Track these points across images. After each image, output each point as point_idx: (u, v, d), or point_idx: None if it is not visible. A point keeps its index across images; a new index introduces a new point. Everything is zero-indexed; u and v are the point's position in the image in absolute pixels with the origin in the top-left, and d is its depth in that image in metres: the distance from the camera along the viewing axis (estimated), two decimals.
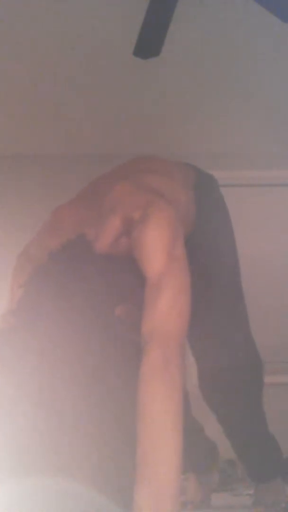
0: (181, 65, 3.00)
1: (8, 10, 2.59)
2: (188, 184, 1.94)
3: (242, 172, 3.69)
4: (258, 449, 2.06)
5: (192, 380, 2.03)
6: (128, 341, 1.42)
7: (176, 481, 1.25)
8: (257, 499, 2.07)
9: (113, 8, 2.61)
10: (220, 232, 2.05)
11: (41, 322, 1.42)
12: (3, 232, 3.44)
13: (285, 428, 2.17)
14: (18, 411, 1.32)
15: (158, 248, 1.50)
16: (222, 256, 2.02)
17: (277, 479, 2.07)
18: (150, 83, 3.12)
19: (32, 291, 1.50)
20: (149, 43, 2.48)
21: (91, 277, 1.49)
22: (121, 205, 1.60)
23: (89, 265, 1.52)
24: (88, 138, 3.54)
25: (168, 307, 1.42)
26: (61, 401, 1.32)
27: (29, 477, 1.29)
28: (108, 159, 2.37)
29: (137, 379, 1.35)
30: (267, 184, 3.73)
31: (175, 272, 1.48)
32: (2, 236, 3.41)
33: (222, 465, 2.43)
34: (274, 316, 3.46)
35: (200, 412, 2.10)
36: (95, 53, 2.90)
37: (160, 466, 1.24)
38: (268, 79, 3.12)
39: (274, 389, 3.18)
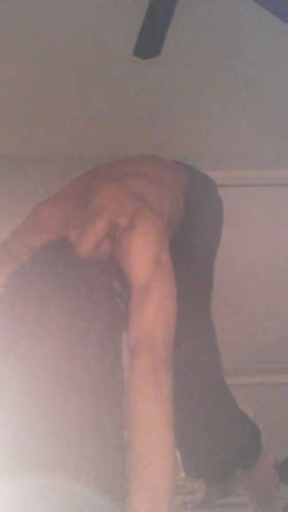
0: (181, 65, 3.00)
1: (8, 10, 2.59)
2: (179, 185, 1.94)
3: (242, 172, 3.70)
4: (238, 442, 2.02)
5: None
6: (105, 348, 1.43)
7: (170, 483, 1.26)
8: (250, 492, 2.05)
9: (113, 8, 2.61)
10: (201, 238, 2.04)
11: (20, 328, 1.42)
12: (3, 232, 3.44)
13: (285, 428, 2.17)
14: (9, 413, 1.33)
15: (145, 256, 1.51)
16: (198, 260, 2.03)
17: (261, 466, 2.04)
18: (150, 83, 3.12)
19: (11, 293, 1.50)
20: (149, 43, 2.48)
21: (71, 284, 1.49)
22: (107, 209, 1.60)
23: (70, 270, 1.52)
24: (88, 138, 3.54)
25: (154, 313, 1.44)
26: (47, 410, 1.32)
27: (28, 477, 1.29)
28: (108, 159, 2.37)
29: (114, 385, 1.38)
30: (267, 184, 3.73)
31: (161, 279, 1.50)
32: (2, 236, 3.41)
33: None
34: (274, 316, 3.46)
35: None
36: (95, 53, 2.90)
37: (153, 468, 1.25)
38: (268, 79, 3.12)
39: (274, 389, 3.18)
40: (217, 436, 1.99)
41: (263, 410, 2.86)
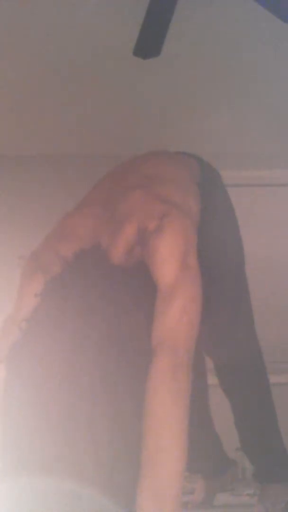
0: (181, 65, 3.00)
1: (8, 10, 2.59)
2: (193, 177, 1.94)
3: (242, 172, 3.69)
4: (266, 446, 2.06)
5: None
6: (139, 351, 1.44)
7: (179, 484, 1.27)
8: (262, 499, 2.06)
9: (113, 8, 2.61)
10: (225, 227, 2.05)
11: (59, 334, 1.43)
12: (3, 232, 3.44)
13: (285, 428, 2.17)
14: (32, 417, 1.34)
15: (172, 258, 1.52)
16: (228, 251, 2.03)
17: (282, 481, 2.06)
18: (150, 83, 3.12)
19: (50, 302, 1.50)
20: (149, 43, 2.48)
21: (108, 291, 1.50)
22: (136, 214, 1.61)
23: (106, 277, 1.53)
24: (88, 138, 3.54)
25: (179, 317, 1.44)
26: (77, 408, 1.33)
27: (34, 476, 1.30)
28: (108, 159, 2.37)
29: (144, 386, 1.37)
30: (267, 184, 3.73)
31: (187, 282, 1.50)
32: (3, 236, 3.41)
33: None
34: (274, 316, 3.46)
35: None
36: (95, 53, 2.90)
37: (163, 468, 1.26)
38: (268, 79, 3.12)
39: (274, 389, 3.18)
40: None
41: None
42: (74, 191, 1.95)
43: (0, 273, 3.12)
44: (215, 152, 3.60)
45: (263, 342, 2.20)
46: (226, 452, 2.26)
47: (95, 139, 3.55)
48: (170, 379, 1.36)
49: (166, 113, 3.37)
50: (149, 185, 1.75)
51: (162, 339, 1.42)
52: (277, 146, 3.61)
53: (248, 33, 2.79)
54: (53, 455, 1.32)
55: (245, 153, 3.67)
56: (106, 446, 1.32)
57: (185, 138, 3.53)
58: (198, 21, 2.71)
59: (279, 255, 3.58)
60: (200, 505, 2.16)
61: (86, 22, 2.70)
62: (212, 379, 2.13)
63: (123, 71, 2.99)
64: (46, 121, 3.39)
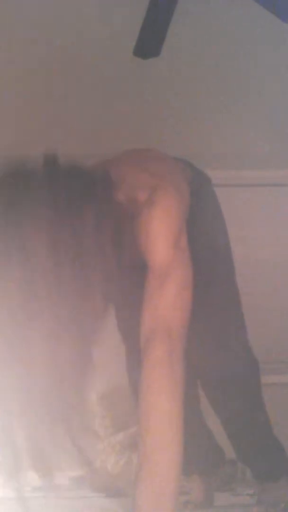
0: (181, 65, 3.00)
1: (8, 10, 2.59)
2: (185, 177, 1.90)
3: (242, 172, 3.69)
4: (261, 451, 2.04)
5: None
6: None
7: (177, 481, 1.25)
8: (261, 499, 2.06)
9: (113, 8, 2.61)
10: (215, 230, 2.00)
11: None
12: None
13: (285, 428, 2.17)
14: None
15: (166, 235, 1.42)
16: (218, 256, 1.97)
17: (282, 478, 2.05)
18: (150, 83, 3.12)
19: None
20: (149, 43, 2.48)
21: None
22: (125, 183, 1.50)
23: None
24: (88, 138, 3.53)
25: (173, 300, 1.37)
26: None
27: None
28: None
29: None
30: (267, 184, 3.73)
31: (180, 264, 1.42)
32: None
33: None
34: (273, 316, 3.46)
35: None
36: (95, 53, 2.90)
37: (161, 469, 1.23)
38: (268, 79, 3.12)
39: (274, 389, 3.18)
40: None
41: None
42: None
43: None
44: (214, 152, 3.61)
45: (263, 342, 2.19)
46: (218, 445, 2.25)
47: (94, 139, 3.55)
48: (166, 368, 1.30)
49: (166, 113, 3.37)
50: (141, 163, 1.66)
51: (156, 327, 1.34)
52: (276, 146, 3.61)
53: (248, 33, 2.79)
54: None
55: (245, 153, 3.67)
56: None
57: (184, 138, 3.53)
58: (198, 21, 2.71)
59: (279, 255, 3.58)
60: (200, 505, 2.15)
61: (86, 22, 2.70)
62: None
63: (123, 71, 2.99)
64: (45, 121, 3.39)
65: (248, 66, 3.04)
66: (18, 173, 1.44)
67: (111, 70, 3.02)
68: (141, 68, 2.78)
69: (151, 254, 1.42)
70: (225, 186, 3.69)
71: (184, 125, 3.46)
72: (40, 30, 2.73)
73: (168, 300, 1.37)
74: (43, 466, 1.37)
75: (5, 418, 1.34)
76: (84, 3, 2.59)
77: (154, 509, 1.20)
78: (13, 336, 1.27)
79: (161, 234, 1.43)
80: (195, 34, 2.80)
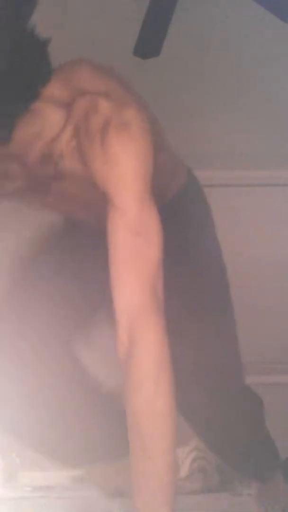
0: (181, 65, 3.00)
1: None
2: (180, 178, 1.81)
3: (242, 172, 3.69)
4: (251, 459, 1.97)
5: None
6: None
7: (173, 479, 1.21)
8: (260, 499, 2.05)
9: (113, 8, 2.61)
10: (205, 234, 1.87)
11: None
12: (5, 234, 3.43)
13: (285, 428, 2.17)
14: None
15: (141, 178, 1.18)
16: (209, 261, 1.83)
17: (276, 477, 2.04)
18: (150, 83, 3.12)
19: None
20: (149, 43, 2.48)
21: None
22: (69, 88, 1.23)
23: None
24: None
25: (158, 265, 1.18)
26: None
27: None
28: None
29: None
30: (267, 184, 3.72)
31: (153, 222, 1.19)
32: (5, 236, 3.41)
33: (222, 466, 2.43)
34: (273, 316, 3.46)
35: None
36: (95, 53, 2.89)
37: (154, 479, 1.16)
38: (268, 79, 3.12)
39: (274, 389, 3.18)
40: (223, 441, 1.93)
41: None
42: None
43: None
44: (214, 152, 3.61)
45: (263, 342, 2.19)
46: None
47: None
48: (161, 355, 1.14)
49: (165, 113, 3.36)
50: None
51: (145, 296, 1.15)
52: (276, 146, 3.61)
53: (248, 33, 2.79)
54: None
55: (245, 153, 3.66)
56: None
57: (184, 137, 3.53)
58: (198, 21, 2.71)
59: (278, 255, 3.58)
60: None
61: (86, 22, 2.70)
62: None
63: (123, 71, 2.99)
64: None
65: (248, 66, 3.04)
66: None
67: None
68: (141, 68, 2.78)
69: (120, 197, 1.18)
70: (225, 186, 3.70)
71: (184, 125, 3.46)
72: (40, 30, 2.73)
73: (154, 262, 1.18)
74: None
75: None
76: (84, 3, 2.59)
77: (152, 509, 1.19)
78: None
79: (130, 180, 1.18)
80: (195, 34, 2.80)
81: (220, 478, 2.41)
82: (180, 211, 1.60)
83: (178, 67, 3.00)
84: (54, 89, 1.29)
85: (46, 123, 1.23)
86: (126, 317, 1.16)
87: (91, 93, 1.27)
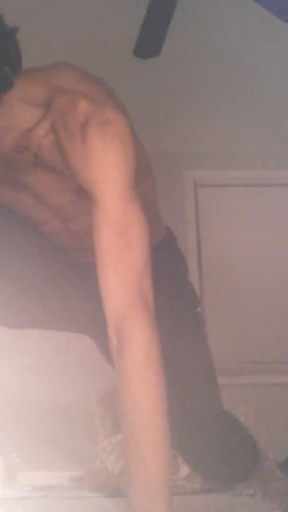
0: (181, 65, 3.00)
1: (8, 10, 2.59)
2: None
3: (241, 172, 3.69)
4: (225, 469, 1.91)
5: None
6: None
7: (169, 480, 1.20)
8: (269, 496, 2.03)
9: (113, 8, 2.61)
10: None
11: None
12: None
13: (285, 428, 2.17)
14: None
15: (124, 177, 1.15)
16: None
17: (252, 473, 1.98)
18: (150, 83, 3.12)
19: None
20: (149, 43, 2.48)
21: None
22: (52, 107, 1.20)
23: None
24: None
25: (144, 264, 1.15)
26: None
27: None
28: None
29: None
30: (267, 184, 3.73)
31: (138, 220, 1.16)
32: None
33: None
34: (274, 316, 3.46)
35: None
36: (95, 53, 2.90)
37: (149, 482, 1.13)
38: (268, 79, 3.12)
39: (274, 389, 3.18)
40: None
41: (263, 410, 2.86)
42: None
43: None
44: (214, 152, 3.61)
45: (263, 342, 2.19)
46: None
47: None
48: (150, 356, 1.13)
49: (165, 113, 3.37)
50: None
51: (132, 296, 1.14)
52: (276, 146, 3.61)
53: (248, 33, 2.79)
54: None
55: (244, 153, 3.67)
56: None
57: (184, 137, 3.53)
58: (198, 21, 2.71)
59: (278, 255, 3.58)
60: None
61: (86, 22, 2.70)
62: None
63: (123, 71, 2.99)
64: None
65: (248, 66, 3.04)
66: None
67: (111, 70, 3.01)
68: (141, 68, 2.78)
69: (102, 195, 1.15)
70: (225, 186, 3.70)
71: (184, 125, 3.46)
72: (39, 30, 2.73)
73: (140, 262, 1.15)
74: None
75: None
76: (84, 3, 2.59)
77: (147, 508, 1.18)
78: None
79: (118, 168, 1.15)
80: (195, 34, 2.80)
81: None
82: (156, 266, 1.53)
83: (178, 67, 3.01)
84: (31, 86, 1.29)
85: (15, 117, 1.23)
86: (113, 318, 1.16)
87: (71, 91, 1.24)
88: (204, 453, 1.70)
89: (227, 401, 2.12)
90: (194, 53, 2.94)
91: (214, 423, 1.70)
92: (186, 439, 1.64)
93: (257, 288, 3.49)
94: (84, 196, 1.19)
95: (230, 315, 3.44)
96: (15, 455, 2.91)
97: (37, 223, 1.37)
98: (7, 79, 1.20)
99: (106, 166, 1.15)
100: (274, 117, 3.38)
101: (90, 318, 1.29)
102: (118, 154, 1.16)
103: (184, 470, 2.39)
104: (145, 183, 1.35)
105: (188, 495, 2.18)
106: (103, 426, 2.84)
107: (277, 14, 2.33)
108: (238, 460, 1.76)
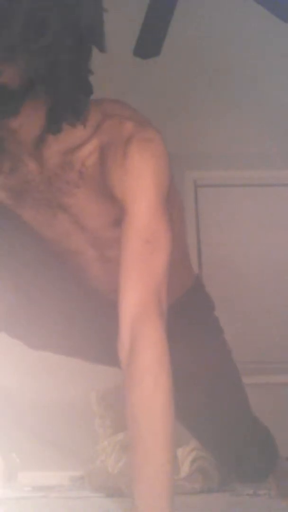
0: (181, 65, 3.00)
1: None
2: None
3: (241, 172, 3.69)
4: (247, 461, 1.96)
5: None
6: None
7: (172, 481, 1.21)
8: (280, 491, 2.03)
9: (113, 8, 2.61)
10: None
11: None
12: None
13: (285, 428, 2.17)
14: None
15: (157, 188, 1.24)
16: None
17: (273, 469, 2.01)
18: (150, 83, 3.12)
19: None
20: (149, 43, 2.49)
21: None
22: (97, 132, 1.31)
23: None
24: None
25: (164, 271, 1.23)
26: None
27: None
28: None
29: None
30: (266, 184, 3.73)
31: (168, 225, 1.24)
32: None
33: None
34: (274, 317, 3.46)
35: None
36: (95, 53, 2.90)
37: (154, 480, 1.16)
38: (268, 79, 3.12)
39: (274, 389, 3.18)
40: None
41: (263, 410, 2.85)
42: None
43: None
44: (214, 152, 3.61)
45: (263, 342, 2.19)
46: None
47: None
48: (163, 356, 1.18)
49: (165, 113, 3.37)
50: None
51: (149, 298, 1.21)
52: (276, 146, 3.62)
53: (248, 33, 2.80)
54: None
55: (244, 153, 3.67)
56: None
57: (184, 137, 3.53)
58: (198, 21, 2.71)
59: (279, 255, 3.58)
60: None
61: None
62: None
63: (123, 71, 2.99)
64: None
65: (248, 66, 3.04)
66: None
67: (111, 70, 3.01)
68: (141, 68, 2.79)
69: (134, 204, 1.24)
70: (225, 186, 3.70)
71: (184, 125, 3.46)
72: None
73: (161, 271, 1.22)
74: None
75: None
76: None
77: (152, 508, 1.19)
78: None
79: (153, 182, 1.25)
80: (195, 34, 2.80)
81: (220, 478, 2.41)
82: (184, 315, 1.62)
83: (178, 67, 3.01)
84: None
85: (66, 136, 1.31)
86: (129, 316, 1.21)
87: (118, 115, 1.37)
88: (236, 455, 1.80)
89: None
90: (194, 53, 2.94)
91: (247, 427, 1.80)
92: (221, 442, 1.73)
93: (257, 288, 3.49)
94: (121, 223, 1.28)
95: (230, 315, 3.44)
96: (15, 455, 2.91)
97: (70, 254, 1.44)
98: (85, 106, 1.31)
99: (141, 177, 1.25)
100: (274, 117, 3.38)
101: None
102: (154, 170, 1.27)
103: (184, 470, 2.39)
104: (178, 225, 1.45)
105: (188, 495, 2.18)
106: (103, 426, 2.84)
107: (277, 14, 2.33)
108: (263, 461, 1.84)
